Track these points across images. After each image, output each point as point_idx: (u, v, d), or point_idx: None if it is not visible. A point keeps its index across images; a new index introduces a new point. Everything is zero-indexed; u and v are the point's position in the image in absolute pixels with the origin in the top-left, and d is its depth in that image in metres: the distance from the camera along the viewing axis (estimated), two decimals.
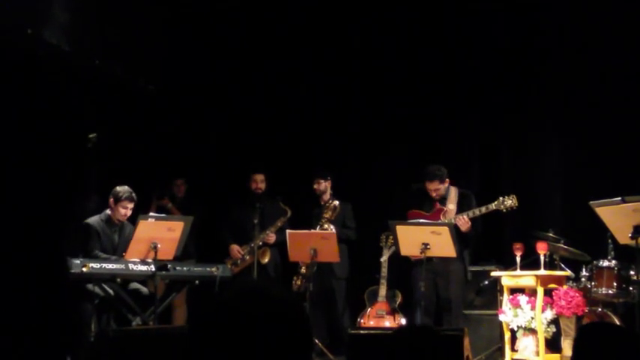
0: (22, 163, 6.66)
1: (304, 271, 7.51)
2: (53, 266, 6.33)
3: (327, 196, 7.92)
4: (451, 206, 6.96)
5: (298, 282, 7.60)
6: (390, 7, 8.43)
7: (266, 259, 7.79)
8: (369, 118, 8.72)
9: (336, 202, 7.71)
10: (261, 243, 7.75)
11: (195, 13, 8.18)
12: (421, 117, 8.53)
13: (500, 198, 6.71)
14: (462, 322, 6.94)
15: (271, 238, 7.78)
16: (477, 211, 6.78)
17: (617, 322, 6.22)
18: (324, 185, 7.93)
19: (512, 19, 8.15)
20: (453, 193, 7.03)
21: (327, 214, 7.68)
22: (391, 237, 6.80)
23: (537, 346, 6.21)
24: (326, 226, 7.59)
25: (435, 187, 6.96)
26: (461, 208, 6.89)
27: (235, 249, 7.83)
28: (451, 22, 8.38)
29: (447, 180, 7.02)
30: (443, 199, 7.02)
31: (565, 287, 6.28)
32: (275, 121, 8.86)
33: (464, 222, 6.72)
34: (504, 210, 6.72)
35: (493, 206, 6.73)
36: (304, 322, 1.41)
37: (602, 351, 2.36)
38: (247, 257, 7.77)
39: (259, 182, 7.93)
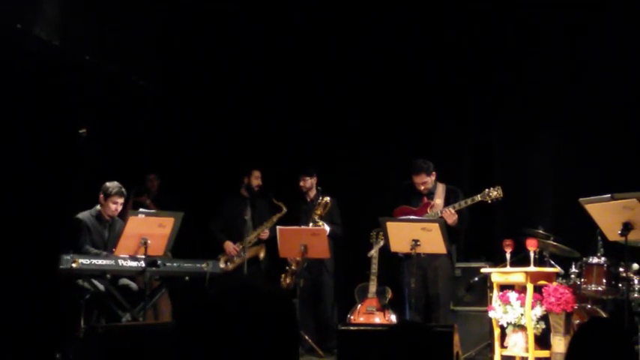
0: (12, 158, 6.63)
1: (294, 267, 7.51)
2: (43, 262, 6.30)
3: (312, 193, 7.95)
4: (438, 201, 6.98)
5: (287, 280, 7.60)
6: (382, 4, 8.43)
7: (262, 255, 7.82)
8: (360, 114, 8.70)
9: (327, 199, 7.71)
10: (256, 239, 7.76)
11: (186, 10, 8.16)
12: (412, 114, 8.53)
13: (486, 190, 6.72)
14: (451, 318, 6.96)
15: (266, 234, 7.79)
16: (462, 203, 6.80)
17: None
18: (310, 182, 7.96)
19: (505, 17, 8.16)
20: (441, 188, 7.06)
21: (319, 211, 7.67)
22: (381, 233, 6.80)
23: (527, 342, 6.22)
24: (320, 223, 7.58)
25: (422, 180, 6.97)
26: (448, 203, 6.92)
27: (231, 245, 7.80)
28: (444, 20, 8.38)
29: (434, 173, 7.03)
30: (430, 194, 7.04)
31: (555, 284, 6.29)
32: (262, 117, 8.84)
33: (450, 214, 6.74)
34: (489, 201, 6.73)
35: (479, 197, 6.75)
36: (291, 318, 1.41)
37: (598, 348, 2.35)
38: (244, 254, 7.76)
39: (259, 178, 7.96)
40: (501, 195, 6.69)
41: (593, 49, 7.69)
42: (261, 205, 7.97)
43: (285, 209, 7.82)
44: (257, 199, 7.95)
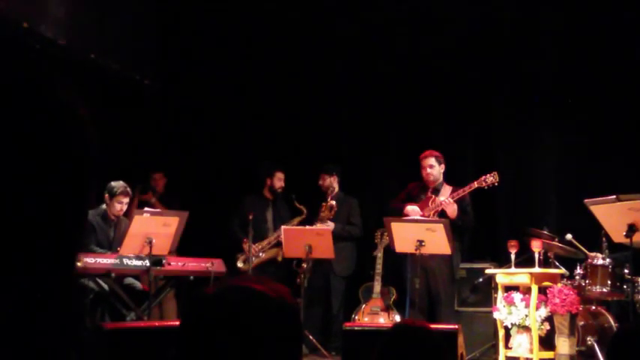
0: (15, 157, 6.62)
1: (304, 266, 7.49)
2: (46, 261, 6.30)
3: (334, 192, 7.87)
4: (442, 198, 6.93)
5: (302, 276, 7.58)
6: (384, 4, 8.43)
7: (280, 257, 7.81)
8: (361, 115, 8.69)
9: (333, 202, 7.67)
10: (276, 240, 7.75)
11: (191, 8, 8.16)
12: (416, 115, 8.52)
13: (483, 176, 6.71)
14: (453, 317, 6.93)
15: None
16: (460, 191, 6.77)
17: (611, 320, 6.25)
18: (329, 181, 7.87)
19: (509, 17, 8.14)
20: (448, 190, 7.03)
21: (324, 213, 7.64)
22: (386, 234, 6.79)
23: (531, 343, 6.21)
24: (319, 224, 7.56)
25: (430, 163, 6.94)
26: None
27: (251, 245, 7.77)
28: (449, 20, 8.37)
29: (443, 166, 7.01)
30: (436, 191, 7.01)
31: (559, 285, 6.27)
32: (272, 117, 8.83)
33: (447, 203, 6.70)
34: (486, 187, 6.71)
35: (475, 184, 6.72)
36: (294, 317, 1.41)
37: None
38: (262, 254, 7.75)
39: (282, 180, 7.94)
40: (497, 180, 6.66)
41: (594, 48, 7.67)
42: (282, 206, 7.97)
43: (305, 213, 7.79)
44: (278, 201, 7.96)
